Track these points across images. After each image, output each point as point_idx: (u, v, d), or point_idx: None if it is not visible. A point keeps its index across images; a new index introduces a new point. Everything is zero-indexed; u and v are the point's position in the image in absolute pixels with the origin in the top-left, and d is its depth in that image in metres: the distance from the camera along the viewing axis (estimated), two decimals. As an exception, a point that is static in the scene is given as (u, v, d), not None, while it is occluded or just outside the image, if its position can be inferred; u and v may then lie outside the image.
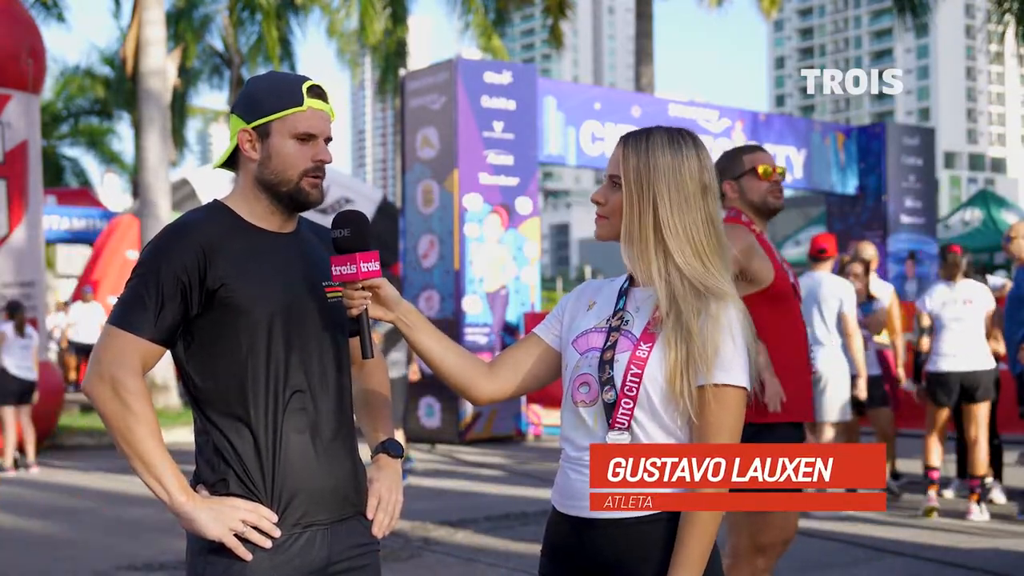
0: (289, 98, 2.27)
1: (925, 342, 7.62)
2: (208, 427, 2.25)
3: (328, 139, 2.33)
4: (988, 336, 7.60)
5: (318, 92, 2.30)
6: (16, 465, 10.60)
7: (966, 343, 7.45)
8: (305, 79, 2.31)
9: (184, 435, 11.79)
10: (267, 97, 2.28)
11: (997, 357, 8.08)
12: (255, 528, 2.19)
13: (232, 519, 2.17)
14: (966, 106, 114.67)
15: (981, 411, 7.48)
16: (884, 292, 8.78)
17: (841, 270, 9.34)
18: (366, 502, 2.39)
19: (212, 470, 2.24)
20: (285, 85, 2.29)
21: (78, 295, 17.87)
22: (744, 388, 2.14)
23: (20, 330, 10.61)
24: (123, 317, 2.20)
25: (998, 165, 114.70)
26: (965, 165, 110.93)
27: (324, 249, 2.38)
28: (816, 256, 7.56)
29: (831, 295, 7.36)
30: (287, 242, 2.34)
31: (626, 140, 2.24)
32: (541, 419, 12.82)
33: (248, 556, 2.18)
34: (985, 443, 7.52)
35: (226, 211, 2.32)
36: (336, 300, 2.34)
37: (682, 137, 2.22)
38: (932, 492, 7.49)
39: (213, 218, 2.29)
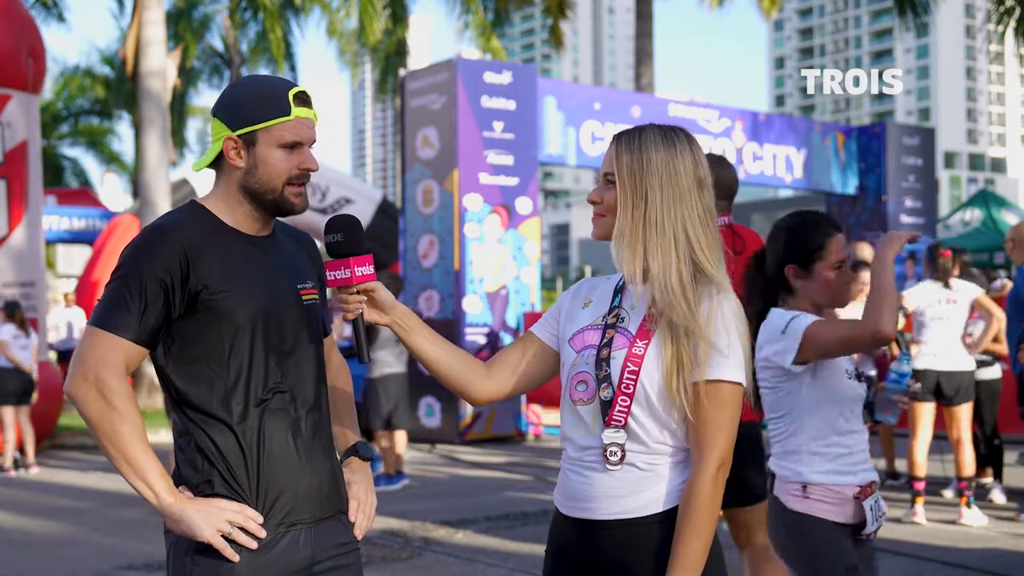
0: (275, 107, 2.25)
1: (899, 321, 7.60)
2: (190, 428, 2.25)
3: (312, 144, 2.33)
4: (991, 334, 7.55)
5: (303, 99, 2.29)
6: (16, 465, 10.60)
7: (947, 342, 7.43)
8: (291, 85, 2.29)
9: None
10: (253, 105, 2.26)
11: (998, 357, 8.09)
12: (241, 529, 2.19)
13: (219, 520, 2.17)
14: (966, 106, 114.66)
15: (961, 412, 7.44)
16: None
17: None
18: (346, 501, 2.41)
19: (195, 471, 2.24)
20: (271, 92, 2.27)
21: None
22: (739, 384, 2.14)
23: (23, 327, 10.63)
24: (106, 318, 2.19)
25: (998, 165, 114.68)
26: (965, 165, 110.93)
27: (299, 252, 2.41)
28: None
29: None
30: (265, 246, 2.34)
31: (619, 138, 2.24)
32: (541, 419, 12.82)
33: (235, 557, 2.18)
34: (969, 444, 7.48)
35: (206, 213, 2.31)
36: (312, 302, 2.37)
37: (675, 134, 2.22)
38: (919, 506, 7.34)
39: (193, 220, 2.29)
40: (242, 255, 2.28)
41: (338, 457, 2.47)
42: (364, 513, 2.43)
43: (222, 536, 2.17)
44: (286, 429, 2.27)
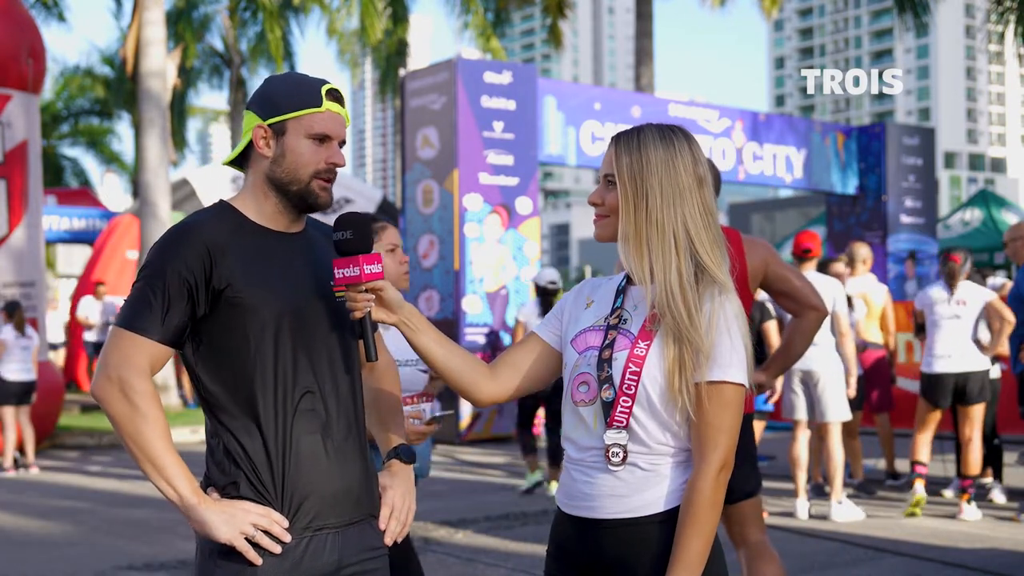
0: (308, 98, 2.26)
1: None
2: (219, 429, 2.23)
3: (341, 143, 2.32)
4: (993, 332, 7.56)
5: (336, 96, 2.30)
6: (16, 465, 10.60)
7: (959, 343, 7.46)
8: (324, 82, 2.31)
9: (185, 435, 11.82)
10: (286, 96, 2.27)
11: (997, 357, 8.09)
12: (265, 532, 2.17)
13: (243, 522, 2.15)
14: (966, 106, 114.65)
15: (975, 412, 7.48)
16: (878, 293, 8.79)
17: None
18: (378, 505, 2.37)
19: (222, 473, 2.22)
20: (305, 85, 2.29)
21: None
22: (741, 385, 2.14)
23: (20, 329, 10.62)
24: (130, 319, 2.18)
25: (998, 165, 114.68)
26: (965, 165, 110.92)
27: (331, 249, 2.35)
28: (802, 256, 7.57)
29: (824, 295, 7.35)
30: (294, 242, 2.32)
31: (618, 139, 2.24)
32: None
33: (258, 560, 2.16)
34: (979, 443, 7.50)
35: (232, 211, 2.30)
36: (344, 300, 2.33)
37: (673, 132, 2.23)
38: (919, 484, 7.41)
39: (219, 218, 2.28)
40: (268, 252, 2.27)
41: (373, 459, 2.43)
42: (397, 519, 2.37)
43: (246, 539, 2.15)
44: (315, 431, 2.24)
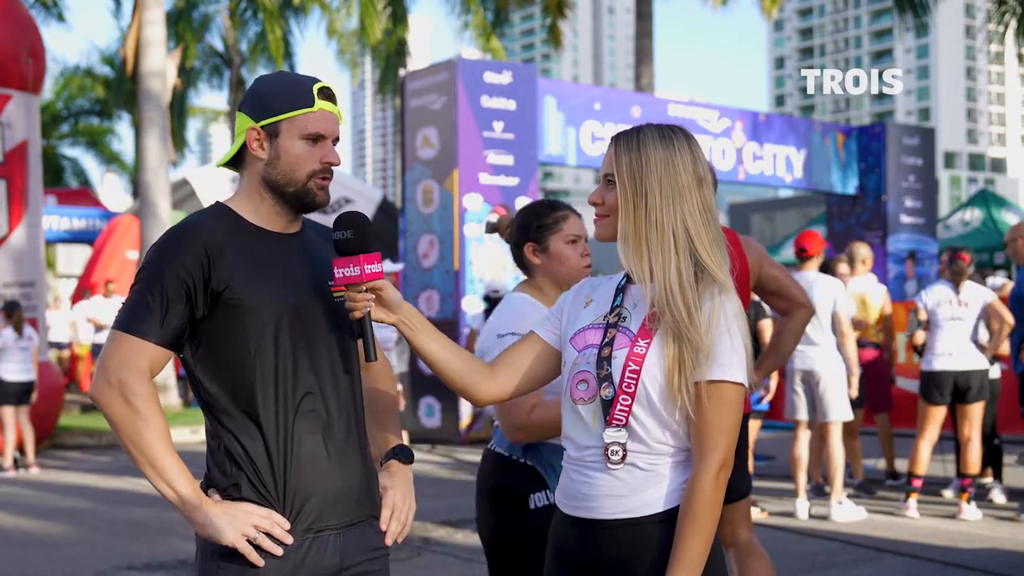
0: (300, 98, 2.25)
1: (920, 335, 7.69)
2: (219, 430, 2.22)
3: (335, 140, 2.32)
4: (992, 332, 7.57)
5: (328, 94, 2.29)
6: (16, 465, 10.60)
7: (960, 343, 7.48)
8: (315, 80, 2.30)
9: (184, 435, 11.82)
10: (277, 96, 2.26)
11: (997, 357, 8.10)
12: (267, 534, 2.16)
13: (246, 524, 2.14)
14: (966, 106, 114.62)
15: (975, 411, 7.52)
16: (878, 292, 8.80)
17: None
18: (378, 506, 2.36)
19: (223, 474, 2.21)
20: (296, 85, 2.28)
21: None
22: (741, 384, 2.14)
23: (19, 329, 10.61)
24: (128, 321, 2.17)
25: (998, 165, 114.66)
26: (965, 165, 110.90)
27: (328, 249, 2.35)
28: (799, 256, 7.59)
29: (825, 295, 7.37)
30: (292, 243, 2.32)
31: (618, 139, 2.24)
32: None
33: (260, 562, 2.15)
34: (979, 443, 7.53)
35: (229, 213, 2.29)
36: (343, 300, 2.32)
37: (673, 132, 2.23)
38: (912, 500, 7.49)
39: (216, 220, 2.27)
40: (266, 253, 2.26)
41: (376, 460, 2.42)
42: (398, 520, 2.37)
43: (248, 541, 2.14)
44: (316, 431, 2.24)
